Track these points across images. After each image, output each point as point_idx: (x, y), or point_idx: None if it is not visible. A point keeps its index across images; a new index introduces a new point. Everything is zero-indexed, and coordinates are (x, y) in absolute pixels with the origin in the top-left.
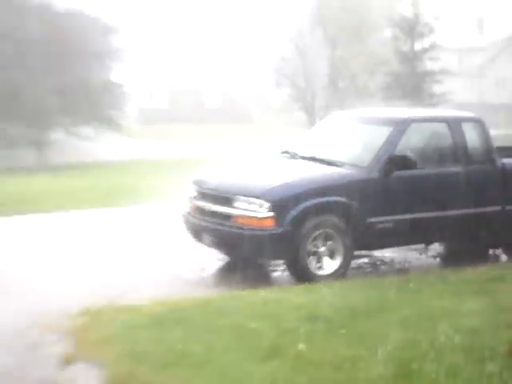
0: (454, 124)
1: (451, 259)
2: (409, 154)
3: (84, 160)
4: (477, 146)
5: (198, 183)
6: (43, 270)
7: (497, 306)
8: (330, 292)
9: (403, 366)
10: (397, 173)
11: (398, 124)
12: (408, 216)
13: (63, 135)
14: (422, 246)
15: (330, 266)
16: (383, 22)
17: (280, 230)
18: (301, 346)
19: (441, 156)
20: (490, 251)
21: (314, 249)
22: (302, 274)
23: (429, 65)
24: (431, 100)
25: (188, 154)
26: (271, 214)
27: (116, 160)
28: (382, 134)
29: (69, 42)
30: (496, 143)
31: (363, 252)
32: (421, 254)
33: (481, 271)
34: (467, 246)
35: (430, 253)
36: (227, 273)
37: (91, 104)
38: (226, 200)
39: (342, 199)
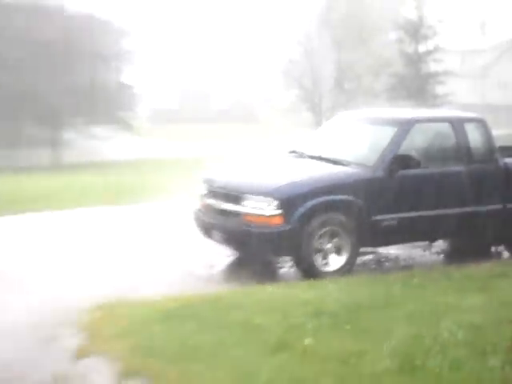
0: (457, 124)
1: (455, 256)
2: (413, 153)
3: (96, 159)
4: (479, 146)
5: (208, 182)
6: (56, 267)
7: (499, 301)
8: (336, 288)
9: (408, 360)
10: (401, 172)
11: (402, 124)
12: (412, 214)
13: (75, 135)
14: (426, 243)
15: (336, 262)
16: (388, 25)
17: (287, 228)
18: (308, 341)
19: (444, 155)
20: (493, 248)
21: (321, 246)
22: (308, 271)
23: (432, 66)
24: (435, 101)
25: (198, 153)
26: (279, 211)
27: (127, 159)
28: (386, 134)
29: (81, 45)
30: (498, 143)
31: (369, 249)
32: (425, 250)
33: (484, 268)
34: (470, 243)
35: (434, 250)
36: (236, 269)
37: (103, 105)
38: (236, 198)
39: (348, 197)
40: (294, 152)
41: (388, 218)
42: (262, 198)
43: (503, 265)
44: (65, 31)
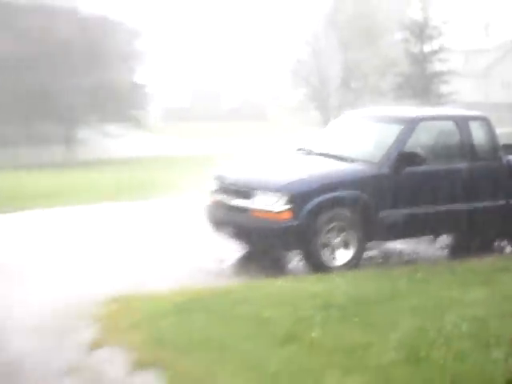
0: (462, 122)
1: (458, 251)
2: (418, 150)
3: (109, 156)
4: (483, 144)
5: (218, 178)
6: (70, 261)
7: (502, 295)
8: (344, 281)
9: (413, 352)
10: (407, 168)
11: (407, 122)
12: (417, 209)
13: (89, 133)
14: (430, 238)
15: (343, 256)
16: (394, 26)
17: (296, 223)
18: (315, 333)
19: (449, 153)
20: (496, 243)
21: (329, 240)
22: (316, 265)
23: (437, 66)
24: (439, 99)
25: (208, 150)
26: (288, 207)
27: (139, 156)
28: (392, 132)
29: (95, 45)
30: (501, 140)
31: (375, 244)
32: (429, 245)
33: (487, 262)
34: (473, 238)
35: (438, 244)
36: (246, 263)
37: (116, 103)
38: (246, 194)
39: (355, 193)
40: (302, 149)
41: (393, 214)
42: (271, 194)
43: (506, 259)
44: (79, 32)
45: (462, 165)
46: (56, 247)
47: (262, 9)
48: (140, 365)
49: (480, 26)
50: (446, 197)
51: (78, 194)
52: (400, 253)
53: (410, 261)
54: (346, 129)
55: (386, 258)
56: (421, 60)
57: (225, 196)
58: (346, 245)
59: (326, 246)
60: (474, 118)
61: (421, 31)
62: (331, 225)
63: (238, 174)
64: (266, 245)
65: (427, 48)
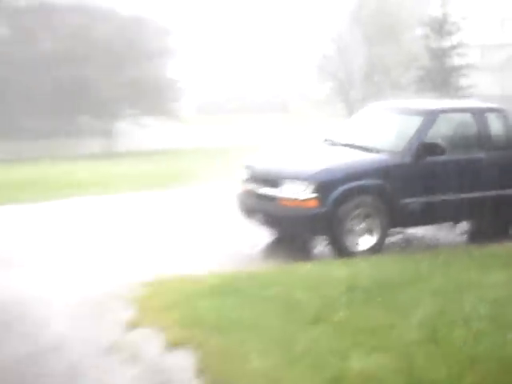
0: (479, 114)
1: (477, 236)
2: (438, 141)
3: (146, 148)
4: (500, 134)
5: (248, 167)
6: (114, 244)
7: None
8: (368, 265)
9: (434, 332)
10: (427, 158)
11: (428, 114)
12: (438, 197)
13: (126, 125)
14: (450, 224)
15: (367, 242)
16: (415, 22)
17: (323, 210)
18: (341, 314)
19: (467, 143)
20: None
21: (353, 227)
22: (341, 250)
23: (456, 60)
24: (458, 92)
25: (240, 141)
26: (315, 195)
27: (175, 147)
28: (413, 123)
29: (130, 43)
30: None
31: (397, 229)
32: (449, 231)
33: (505, 247)
34: (491, 224)
35: (458, 231)
36: (276, 248)
37: (152, 97)
38: (275, 183)
39: (379, 182)
40: (327, 140)
41: (415, 201)
42: (299, 182)
43: None
44: (116, 31)
45: (479, 154)
46: (104, 231)
47: (290, 7)
48: (174, 344)
49: (496, 21)
50: (464, 185)
51: (120, 183)
52: (421, 238)
53: (431, 246)
54: (369, 120)
55: (408, 244)
56: (440, 55)
57: (255, 185)
58: (369, 231)
59: (350, 232)
60: (491, 110)
61: (440, 27)
62: (356, 212)
63: (266, 164)
64: (294, 231)
65: (446, 43)
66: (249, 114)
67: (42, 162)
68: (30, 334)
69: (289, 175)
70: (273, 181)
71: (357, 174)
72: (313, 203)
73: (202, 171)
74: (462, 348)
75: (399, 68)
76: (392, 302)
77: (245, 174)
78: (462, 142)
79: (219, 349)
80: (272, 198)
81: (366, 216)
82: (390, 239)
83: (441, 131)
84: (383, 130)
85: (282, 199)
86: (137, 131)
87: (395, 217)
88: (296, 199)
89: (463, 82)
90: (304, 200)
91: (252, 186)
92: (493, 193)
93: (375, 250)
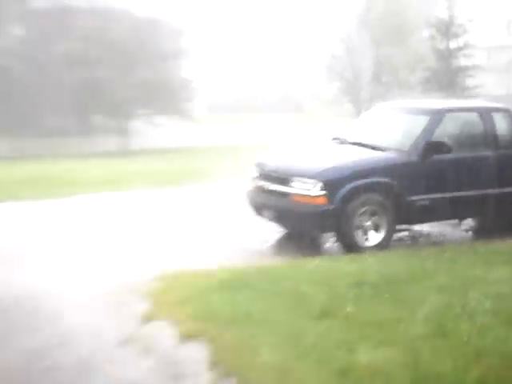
0: (485, 113)
1: (482, 233)
2: (444, 139)
3: (159, 146)
4: (505, 133)
5: (259, 165)
6: (125, 240)
7: None
8: (375, 261)
9: (439, 327)
10: (434, 156)
11: (434, 113)
12: (444, 195)
13: (140, 124)
14: (455, 221)
15: (374, 238)
16: (422, 24)
17: (331, 207)
18: (349, 308)
19: (473, 142)
20: None
21: (361, 223)
22: (350, 245)
23: (462, 61)
24: (464, 93)
25: (252, 140)
26: (323, 192)
27: (187, 146)
28: (420, 123)
29: (145, 43)
30: None
31: (404, 226)
32: (455, 228)
33: (509, 243)
34: (496, 221)
35: (463, 228)
36: (285, 244)
37: (165, 97)
38: (284, 180)
39: (386, 179)
40: (336, 139)
41: (421, 199)
42: (308, 180)
43: None
44: (131, 32)
45: (485, 153)
46: (118, 226)
47: (299, 9)
48: (187, 336)
49: (502, 23)
50: (470, 183)
51: (133, 180)
52: (427, 235)
53: (437, 242)
54: (376, 120)
55: (415, 240)
56: (447, 56)
57: (265, 182)
58: (377, 227)
59: (358, 228)
60: (497, 110)
61: (446, 29)
62: (363, 209)
63: (277, 162)
64: (303, 227)
65: (453, 44)
66: (260, 114)
67: (60, 159)
68: (44, 328)
69: (298, 173)
70: (282, 178)
71: (364, 172)
72: (321, 200)
73: (214, 169)
74: (467, 342)
75: (406, 69)
76: (399, 297)
77: (255, 172)
78: (467, 140)
79: (231, 342)
80: (281, 195)
81: (374, 213)
82: (397, 235)
83: (447, 130)
84: (391, 129)
85: (291, 196)
86: (151, 130)
87: (402, 214)
88: (305, 196)
89: (469, 82)
90: (312, 197)
91: (262, 183)
92: (497, 191)
93: (382, 246)
